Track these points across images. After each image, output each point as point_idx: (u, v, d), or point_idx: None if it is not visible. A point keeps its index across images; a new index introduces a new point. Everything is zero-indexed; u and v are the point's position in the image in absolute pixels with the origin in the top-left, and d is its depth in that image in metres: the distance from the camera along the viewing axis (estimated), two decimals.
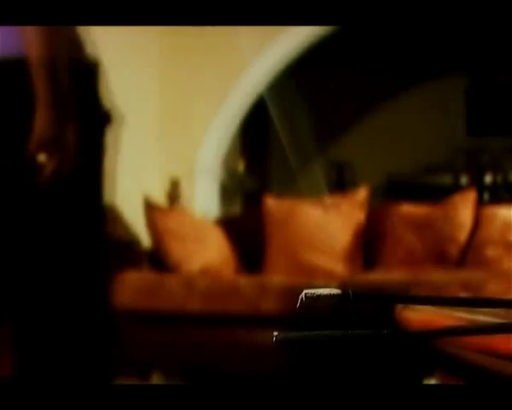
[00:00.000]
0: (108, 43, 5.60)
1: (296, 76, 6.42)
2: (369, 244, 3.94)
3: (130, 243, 4.80)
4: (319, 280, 3.33)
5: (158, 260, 3.78)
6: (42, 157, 1.36)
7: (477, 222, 3.82)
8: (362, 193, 4.08)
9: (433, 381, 1.08)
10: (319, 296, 0.54)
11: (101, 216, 1.58)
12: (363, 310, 2.23)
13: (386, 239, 3.92)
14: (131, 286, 3.52)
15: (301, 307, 0.54)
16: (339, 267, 3.70)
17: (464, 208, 3.83)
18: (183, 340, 3.41)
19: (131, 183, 5.57)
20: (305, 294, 0.54)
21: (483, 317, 0.57)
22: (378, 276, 3.12)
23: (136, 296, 3.50)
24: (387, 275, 3.17)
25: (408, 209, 3.94)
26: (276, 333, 0.56)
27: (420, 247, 3.80)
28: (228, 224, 4.21)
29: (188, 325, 3.41)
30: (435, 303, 0.57)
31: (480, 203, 4.02)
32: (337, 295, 0.55)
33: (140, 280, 3.54)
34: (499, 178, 7.74)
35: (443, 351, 0.94)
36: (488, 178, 7.77)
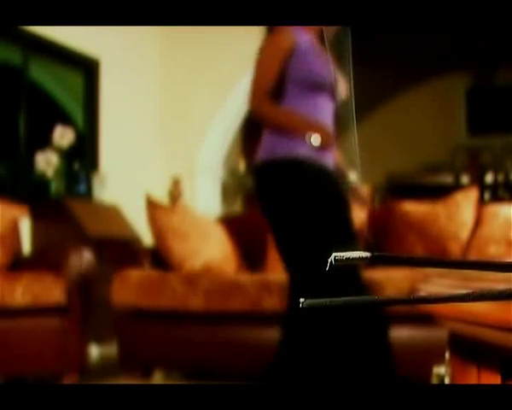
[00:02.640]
0: (108, 43, 5.62)
1: None
2: (372, 242, 3.94)
3: (133, 240, 4.80)
4: None
5: (160, 257, 3.78)
6: None
7: (479, 220, 3.83)
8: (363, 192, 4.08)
9: (442, 369, 1.08)
10: (348, 259, 0.54)
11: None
12: None
13: (388, 237, 3.93)
14: (134, 284, 3.52)
15: (330, 269, 0.55)
16: None
17: (466, 207, 3.83)
18: (185, 338, 3.41)
19: (133, 182, 5.57)
20: (335, 256, 0.54)
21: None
22: (380, 274, 3.12)
23: (139, 294, 3.50)
24: (389, 273, 3.17)
25: (410, 208, 3.94)
26: (302, 299, 0.56)
27: (422, 245, 3.81)
28: (229, 222, 4.21)
29: (190, 323, 3.42)
30: (455, 266, 0.58)
31: (481, 202, 4.02)
32: (366, 257, 0.55)
33: (142, 278, 3.55)
34: (500, 177, 7.73)
35: (454, 332, 0.93)
36: (489, 178, 7.76)
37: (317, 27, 2.51)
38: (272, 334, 2.97)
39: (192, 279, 3.41)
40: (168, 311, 3.43)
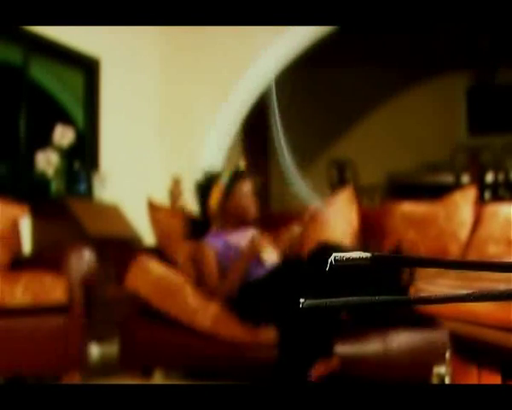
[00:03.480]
0: (108, 43, 5.62)
1: (297, 76, 6.42)
2: (371, 242, 3.94)
3: (133, 240, 4.80)
4: None
5: (160, 257, 3.77)
6: None
7: (478, 220, 3.82)
8: (349, 191, 4.06)
9: (443, 369, 1.08)
10: (348, 259, 0.54)
11: None
12: None
13: (387, 237, 3.92)
14: (151, 277, 3.49)
15: (330, 270, 0.54)
16: None
17: (465, 206, 3.83)
18: (186, 337, 3.41)
19: (134, 181, 5.57)
20: (335, 257, 0.54)
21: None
22: None
23: (151, 289, 3.47)
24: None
25: (409, 207, 3.94)
26: (303, 299, 0.56)
27: (421, 244, 3.80)
28: None
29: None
30: (455, 267, 0.58)
31: (481, 202, 4.02)
32: (366, 258, 0.54)
33: (160, 274, 3.51)
34: (500, 177, 7.73)
35: (454, 332, 0.93)
36: (489, 177, 7.76)
37: (234, 217, 3.51)
38: (272, 335, 2.98)
39: (205, 298, 3.36)
40: (173, 316, 3.39)
